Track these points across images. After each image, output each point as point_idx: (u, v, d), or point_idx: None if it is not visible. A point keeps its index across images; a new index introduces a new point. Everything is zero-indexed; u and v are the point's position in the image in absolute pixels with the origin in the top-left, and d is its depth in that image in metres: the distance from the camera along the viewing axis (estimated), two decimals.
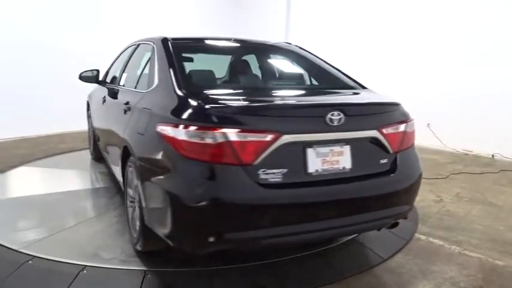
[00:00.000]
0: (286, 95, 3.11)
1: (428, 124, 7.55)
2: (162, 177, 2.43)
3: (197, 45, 3.93)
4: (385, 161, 2.66)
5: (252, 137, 2.26)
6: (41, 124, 7.52)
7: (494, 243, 3.37)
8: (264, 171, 2.28)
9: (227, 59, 4.46)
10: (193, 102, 2.43)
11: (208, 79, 3.26)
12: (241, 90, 3.13)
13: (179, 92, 2.61)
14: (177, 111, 2.45)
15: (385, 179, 2.65)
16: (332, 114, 2.40)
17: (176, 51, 3.14)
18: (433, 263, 2.99)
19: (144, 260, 2.87)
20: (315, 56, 3.79)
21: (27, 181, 4.95)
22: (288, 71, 4.05)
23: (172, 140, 2.34)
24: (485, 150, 6.90)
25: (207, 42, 4.02)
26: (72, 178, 5.15)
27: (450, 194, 4.69)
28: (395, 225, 2.90)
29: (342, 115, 2.42)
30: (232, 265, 2.83)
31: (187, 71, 3.20)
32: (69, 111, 7.44)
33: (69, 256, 2.90)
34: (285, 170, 2.34)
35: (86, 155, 6.02)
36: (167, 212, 2.36)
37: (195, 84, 2.96)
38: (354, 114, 2.56)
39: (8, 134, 7.17)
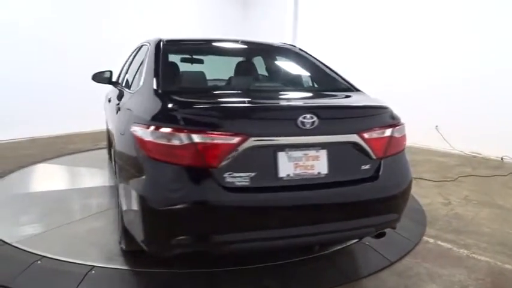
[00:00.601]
0: (263, 97, 2.98)
1: (436, 126, 7.52)
2: (132, 178, 2.43)
3: (190, 46, 3.95)
4: (367, 167, 2.52)
5: (216, 139, 2.21)
6: (49, 125, 7.59)
7: (503, 246, 3.34)
8: (230, 174, 2.23)
9: (227, 60, 4.43)
10: (163, 104, 2.42)
11: (195, 80, 3.24)
12: (220, 92, 3.08)
13: (155, 93, 2.61)
14: (148, 112, 2.43)
15: (366, 186, 2.50)
16: (304, 117, 2.31)
17: (166, 52, 3.16)
18: (441, 266, 2.97)
19: (146, 261, 2.87)
20: (312, 57, 3.69)
21: (37, 179, 5.04)
22: (279, 73, 3.98)
23: (140, 141, 2.33)
24: (494, 152, 6.84)
25: (201, 43, 4.01)
26: (85, 176, 5.24)
27: (458, 197, 4.66)
28: (381, 235, 2.78)
29: (315, 118, 2.33)
30: (236, 267, 2.83)
31: (177, 72, 3.26)
32: (78, 112, 7.53)
33: (59, 252, 2.95)
34: (253, 174, 2.27)
35: (99, 155, 6.11)
36: (136, 214, 2.36)
37: (177, 86, 2.97)
38: (329, 117, 2.47)
39: (15, 135, 7.23)
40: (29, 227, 3.48)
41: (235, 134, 2.22)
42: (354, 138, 2.47)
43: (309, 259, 2.97)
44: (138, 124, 2.39)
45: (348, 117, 2.61)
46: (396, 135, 2.64)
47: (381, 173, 2.54)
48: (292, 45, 3.94)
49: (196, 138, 2.18)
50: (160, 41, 3.33)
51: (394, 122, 2.66)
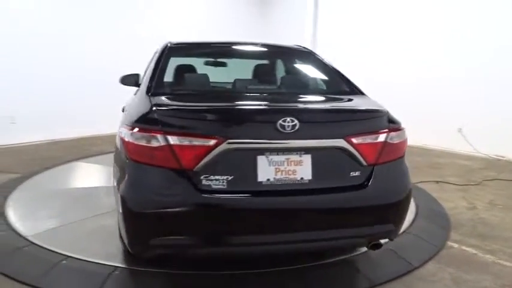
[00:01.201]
0: (249, 100, 2.94)
1: (459, 129, 7.39)
2: (118, 179, 2.45)
3: (196, 49, 3.95)
4: (356, 173, 2.40)
5: (192, 142, 2.22)
6: (71, 127, 7.74)
7: None
8: (206, 177, 2.21)
9: (243, 63, 4.41)
10: (147, 107, 2.43)
11: (195, 83, 3.23)
12: (210, 95, 3.07)
13: (146, 96, 2.65)
14: (134, 115, 2.46)
15: (355, 194, 2.39)
16: (283, 121, 2.24)
17: (168, 56, 3.21)
18: (466, 271, 2.91)
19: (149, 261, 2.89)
20: (319, 58, 3.58)
21: (62, 179, 5.13)
22: (284, 75, 3.88)
23: (124, 142, 2.37)
24: None
25: (206, 46, 4.01)
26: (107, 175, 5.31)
27: (483, 201, 4.57)
28: (377, 246, 2.63)
29: (295, 121, 2.25)
30: (258, 269, 2.83)
31: (178, 75, 3.31)
32: (100, 114, 7.65)
33: (62, 247, 3.04)
34: (231, 177, 2.24)
35: None
36: (119, 214, 2.40)
37: (171, 89, 3.01)
38: (312, 121, 2.41)
39: (39, 138, 7.39)
40: (43, 222, 3.60)
41: (211, 137, 2.21)
42: (341, 143, 2.36)
43: (330, 263, 2.95)
44: (125, 126, 2.43)
45: (333, 121, 2.51)
46: (392, 140, 2.50)
47: (372, 180, 2.41)
48: (302, 47, 3.86)
49: (172, 140, 2.21)
50: (166, 44, 3.38)
51: (389, 126, 2.52)
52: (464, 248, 3.31)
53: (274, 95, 3.24)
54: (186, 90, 3.10)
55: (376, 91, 8.71)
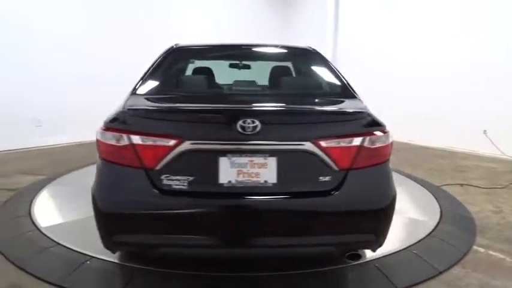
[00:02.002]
0: (219, 102, 2.93)
1: (484, 131, 7.24)
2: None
3: (201, 52, 3.96)
4: (326, 178, 2.30)
5: (152, 141, 2.26)
6: (96, 129, 7.82)
7: None
8: (167, 177, 2.25)
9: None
10: (121, 106, 2.49)
11: (188, 85, 3.28)
12: (187, 96, 3.02)
13: (128, 96, 2.74)
14: (110, 114, 2.50)
15: (323, 200, 2.30)
16: (244, 122, 2.21)
17: (166, 58, 3.31)
18: (493, 277, 2.83)
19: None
20: (322, 60, 3.50)
21: (86, 179, 5.15)
22: (277, 77, 3.70)
23: (96, 141, 2.45)
24: None
25: (209, 49, 3.99)
26: None
27: (510, 205, 4.45)
28: (355, 256, 2.52)
29: (256, 123, 2.21)
30: (281, 271, 2.80)
31: (173, 76, 3.34)
32: None
33: (86, 248, 3.07)
34: (192, 178, 2.25)
35: None
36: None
37: (156, 90, 3.00)
38: (275, 122, 2.33)
39: (65, 140, 7.53)
40: (59, 217, 3.79)
41: (171, 137, 2.24)
42: (308, 146, 2.28)
43: (354, 266, 2.91)
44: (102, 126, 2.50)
45: (299, 122, 2.41)
46: (370, 145, 2.36)
47: (343, 186, 2.31)
48: (308, 47, 3.78)
49: (135, 139, 2.27)
50: (171, 47, 3.48)
51: (367, 130, 2.39)
52: (491, 252, 3.23)
53: (254, 96, 3.15)
54: (171, 92, 3.10)
55: (398, 93, 8.67)
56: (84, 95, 7.70)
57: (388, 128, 2.51)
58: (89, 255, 2.98)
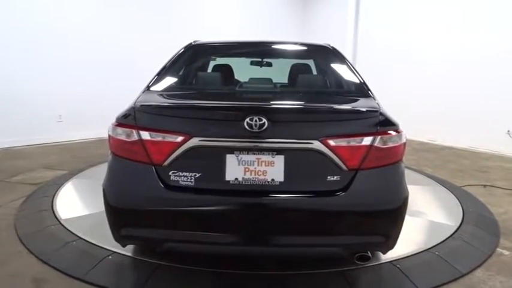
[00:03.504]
0: (230, 98, 2.96)
1: (508, 131, 7.09)
2: None
3: (214, 49, 4.00)
4: (335, 178, 2.26)
5: (161, 137, 2.28)
6: None
7: None
8: (175, 173, 2.27)
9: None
10: (133, 102, 2.53)
11: (203, 82, 3.34)
12: (199, 93, 3.10)
13: (142, 92, 2.80)
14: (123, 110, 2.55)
15: (331, 200, 2.25)
16: (250, 119, 2.19)
17: (183, 54, 3.38)
18: None
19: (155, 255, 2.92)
20: (339, 57, 3.46)
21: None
22: (293, 74, 3.66)
23: (108, 136, 2.51)
24: None
25: (225, 46, 4.03)
26: None
27: None
28: (364, 258, 2.44)
29: (264, 120, 2.19)
30: (301, 271, 2.79)
31: (188, 73, 3.41)
32: None
33: (107, 242, 3.06)
34: (199, 175, 2.27)
35: None
36: None
37: (171, 86, 3.06)
38: (283, 120, 2.30)
39: (86, 135, 7.65)
40: (79, 210, 3.84)
41: (179, 133, 2.26)
42: (316, 145, 2.23)
43: (373, 267, 2.89)
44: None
45: (308, 121, 2.35)
46: (381, 144, 2.30)
47: (352, 186, 2.26)
48: (326, 44, 3.71)
49: (144, 135, 2.31)
50: (189, 43, 3.53)
51: (378, 129, 2.32)
52: None
53: (265, 94, 3.13)
54: (184, 89, 3.19)
55: (420, 92, 8.56)
56: (105, 91, 7.78)
57: (403, 127, 2.44)
58: (111, 250, 3.02)
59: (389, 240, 2.41)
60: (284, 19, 10.85)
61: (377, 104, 2.57)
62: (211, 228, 2.33)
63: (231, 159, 2.26)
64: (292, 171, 2.26)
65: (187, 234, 2.36)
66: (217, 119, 2.36)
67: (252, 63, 4.26)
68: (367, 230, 2.37)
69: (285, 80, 3.83)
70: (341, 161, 2.26)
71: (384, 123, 2.36)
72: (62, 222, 3.54)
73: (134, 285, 2.68)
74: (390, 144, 2.33)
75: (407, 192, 2.40)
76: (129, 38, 8.16)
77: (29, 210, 3.88)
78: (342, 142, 2.26)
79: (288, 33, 10.35)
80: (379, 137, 2.30)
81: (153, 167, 2.30)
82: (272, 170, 2.26)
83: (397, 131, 2.38)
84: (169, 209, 2.32)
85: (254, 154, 2.26)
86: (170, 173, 2.28)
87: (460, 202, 4.29)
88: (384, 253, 2.64)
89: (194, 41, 3.63)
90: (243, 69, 4.27)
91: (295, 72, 3.55)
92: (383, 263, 2.92)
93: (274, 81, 3.72)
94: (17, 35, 6.83)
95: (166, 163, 2.28)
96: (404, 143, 2.43)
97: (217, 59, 4.19)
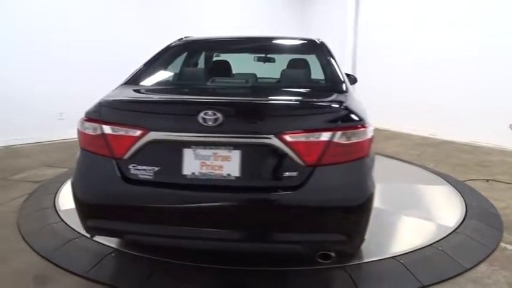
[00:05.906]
0: (189, 93, 2.97)
1: (510, 125, 7.06)
2: None
3: (205, 45, 4.10)
4: (292, 174, 2.20)
5: (120, 131, 2.32)
6: None
7: None
8: (134, 166, 2.30)
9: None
10: (102, 97, 2.57)
11: (185, 77, 3.41)
12: (164, 88, 3.19)
13: (116, 87, 2.87)
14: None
15: (287, 196, 2.21)
16: (205, 114, 2.17)
17: (167, 50, 3.46)
18: None
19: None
20: (324, 50, 3.37)
21: None
22: (275, 70, 3.71)
23: (77, 130, 2.53)
24: None
25: (211, 41, 4.09)
26: None
27: None
28: (326, 257, 2.34)
29: (218, 115, 2.16)
30: (305, 267, 2.78)
31: (168, 68, 3.43)
32: None
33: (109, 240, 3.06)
34: (157, 168, 2.29)
35: None
36: None
37: (146, 82, 3.07)
38: (237, 115, 2.27)
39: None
40: None
41: (137, 127, 2.29)
42: (272, 140, 2.19)
43: (377, 262, 2.88)
44: None
45: (263, 116, 2.33)
46: (342, 140, 2.21)
47: (309, 182, 2.19)
48: (314, 38, 3.69)
49: (106, 129, 2.34)
50: (178, 39, 3.62)
51: (339, 124, 2.23)
52: None
53: (232, 89, 3.13)
54: (159, 84, 3.22)
55: (420, 87, 8.54)
56: (106, 89, 7.73)
57: (369, 122, 2.37)
58: (112, 247, 3.02)
59: (353, 238, 2.37)
60: (284, 19, 10.79)
61: (345, 99, 2.47)
62: (169, 222, 2.36)
63: (188, 154, 2.28)
64: (249, 167, 2.26)
65: (147, 227, 2.40)
66: (173, 113, 2.40)
67: (254, 59, 4.24)
68: (325, 228, 2.31)
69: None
70: (298, 156, 2.20)
71: (345, 119, 2.28)
72: (64, 219, 3.54)
73: (136, 282, 2.68)
74: (353, 140, 2.24)
75: (373, 189, 2.31)
76: (130, 36, 8.10)
77: (31, 208, 3.88)
78: (299, 137, 2.21)
79: (288, 33, 10.30)
80: (340, 132, 2.22)
81: (114, 161, 2.33)
82: (228, 164, 2.25)
83: (361, 126, 2.29)
84: (129, 203, 2.37)
85: (211, 149, 2.27)
86: (130, 167, 2.32)
87: (462, 197, 4.28)
88: (350, 253, 2.62)
89: (183, 37, 3.73)
90: (247, 65, 4.28)
91: (287, 67, 3.53)
92: (386, 258, 2.92)
93: (273, 76, 3.72)
94: (17, 34, 6.81)
95: (126, 157, 2.31)
96: (370, 139, 2.35)
97: (220, 55, 4.19)
